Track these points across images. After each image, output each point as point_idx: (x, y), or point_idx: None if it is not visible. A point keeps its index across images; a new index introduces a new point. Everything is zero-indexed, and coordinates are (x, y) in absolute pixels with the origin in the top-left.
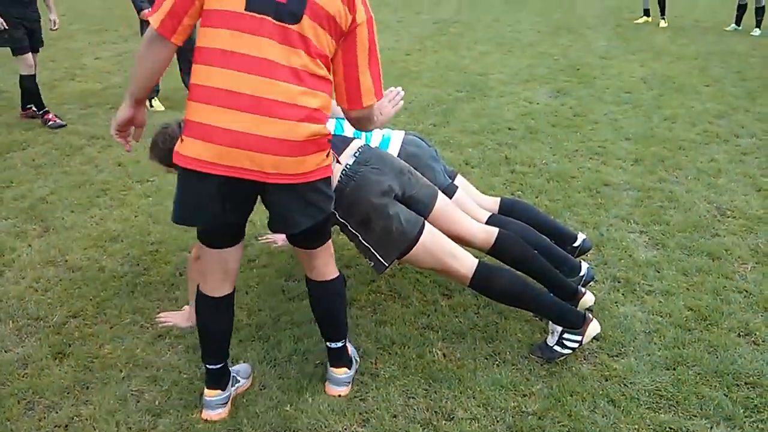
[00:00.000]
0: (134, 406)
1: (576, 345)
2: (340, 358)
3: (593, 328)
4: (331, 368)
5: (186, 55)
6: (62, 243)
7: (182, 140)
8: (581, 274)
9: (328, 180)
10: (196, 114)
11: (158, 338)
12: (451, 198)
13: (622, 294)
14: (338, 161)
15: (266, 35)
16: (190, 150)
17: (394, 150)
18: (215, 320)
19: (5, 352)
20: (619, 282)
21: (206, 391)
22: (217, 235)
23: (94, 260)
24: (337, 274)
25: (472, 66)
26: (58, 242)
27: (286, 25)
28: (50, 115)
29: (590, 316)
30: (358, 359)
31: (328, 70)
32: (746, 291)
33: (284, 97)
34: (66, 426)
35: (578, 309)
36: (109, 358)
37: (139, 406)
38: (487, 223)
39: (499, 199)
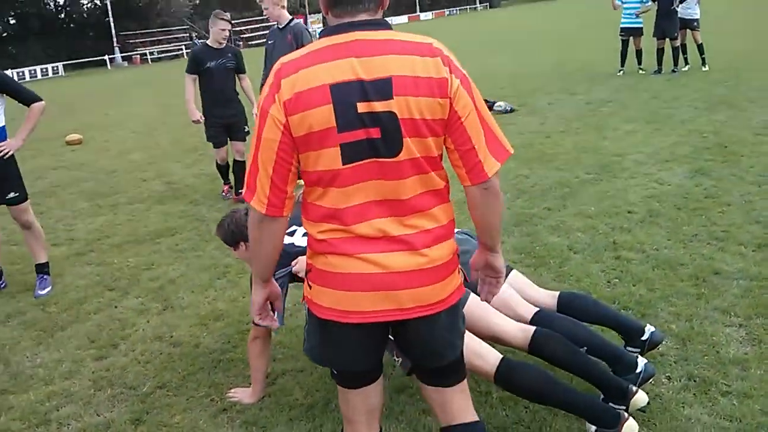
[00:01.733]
0: None
1: None
2: None
3: (629, 428)
4: None
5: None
6: (174, 320)
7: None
8: (638, 371)
9: (459, 304)
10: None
11: (222, 412)
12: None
13: (694, 394)
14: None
15: None
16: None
17: None
18: None
19: (97, 415)
20: (694, 381)
21: None
22: (357, 375)
23: (195, 336)
24: (477, 419)
25: (611, 146)
26: (172, 320)
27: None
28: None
29: (626, 415)
30: None
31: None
32: None
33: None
34: None
35: (629, 409)
36: (175, 427)
37: None
38: (531, 320)
39: (557, 294)
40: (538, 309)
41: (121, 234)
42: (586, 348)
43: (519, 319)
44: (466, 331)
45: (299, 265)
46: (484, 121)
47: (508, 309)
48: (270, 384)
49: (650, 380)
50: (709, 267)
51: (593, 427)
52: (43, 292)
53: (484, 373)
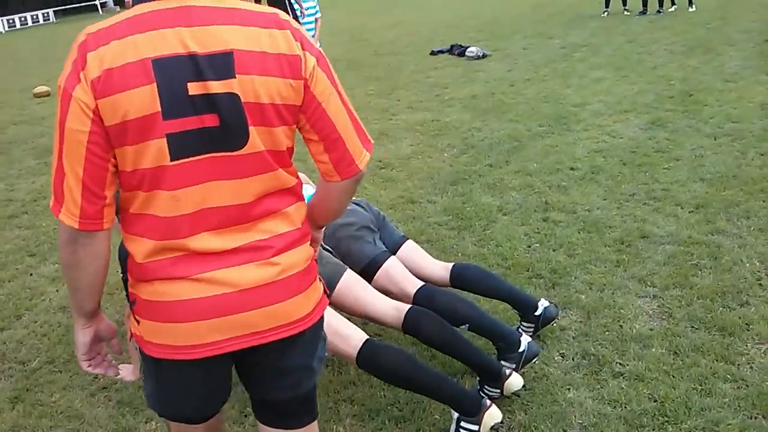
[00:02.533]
0: None
1: None
2: None
3: (491, 416)
4: None
5: None
6: None
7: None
8: (520, 350)
9: (320, 323)
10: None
11: (101, 390)
12: (380, 267)
13: (584, 375)
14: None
15: None
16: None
17: None
18: None
19: None
20: (588, 360)
21: None
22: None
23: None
24: None
25: (573, 96)
26: None
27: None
28: None
29: (488, 402)
30: None
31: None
32: (742, 381)
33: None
34: None
35: (504, 392)
36: (51, 406)
37: None
38: (415, 296)
39: (451, 265)
40: (422, 284)
41: None
42: (467, 325)
43: (403, 295)
44: (332, 310)
45: None
46: (348, 107)
47: (393, 285)
48: None
49: (536, 359)
50: (638, 230)
51: (456, 414)
52: None
53: (347, 355)
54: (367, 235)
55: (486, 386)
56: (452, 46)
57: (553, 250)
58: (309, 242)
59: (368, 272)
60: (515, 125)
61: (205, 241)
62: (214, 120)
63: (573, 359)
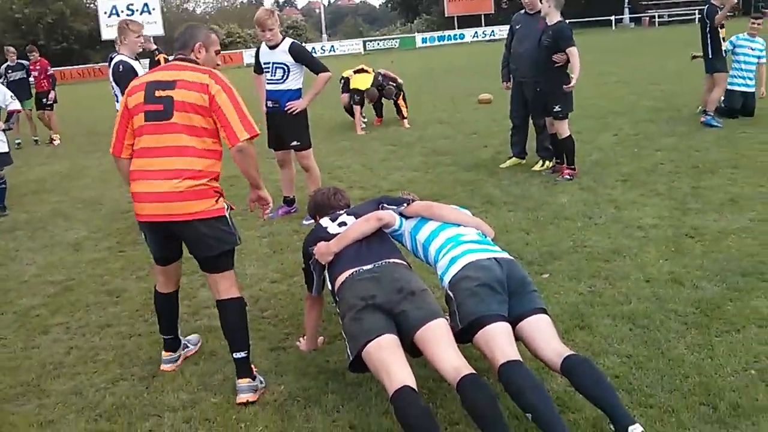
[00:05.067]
0: None
1: None
2: (243, 369)
3: None
4: (238, 380)
5: None
6: None
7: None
8: None
9: (215, 220)
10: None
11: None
12: (482, 327)
13: None
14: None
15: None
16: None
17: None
18: (165, 309)
19: None
20: None
21: (163, 352)
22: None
23: None
24: (239, 295)
25: None
26: None
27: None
28: None
29: None
30: (263, 380)
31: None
32: None
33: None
34: None
35: None
36: None
37: None
38: (499, 369)
39: (565, 354)
40: (509, 360)
41: None
42: (531, 415)
43: (491, 360)
44: (391, 350)
45: (318, 249)
46: (238, 107)
47: (487, 348)
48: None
49: None
50: None
51: None
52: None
53: (388, 390)
54: (486, 294)
55: None
56: None
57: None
58: (207, 179)
59: (470, 329)
60: None
61: (154, 163)
62: (160, 107)
63: None
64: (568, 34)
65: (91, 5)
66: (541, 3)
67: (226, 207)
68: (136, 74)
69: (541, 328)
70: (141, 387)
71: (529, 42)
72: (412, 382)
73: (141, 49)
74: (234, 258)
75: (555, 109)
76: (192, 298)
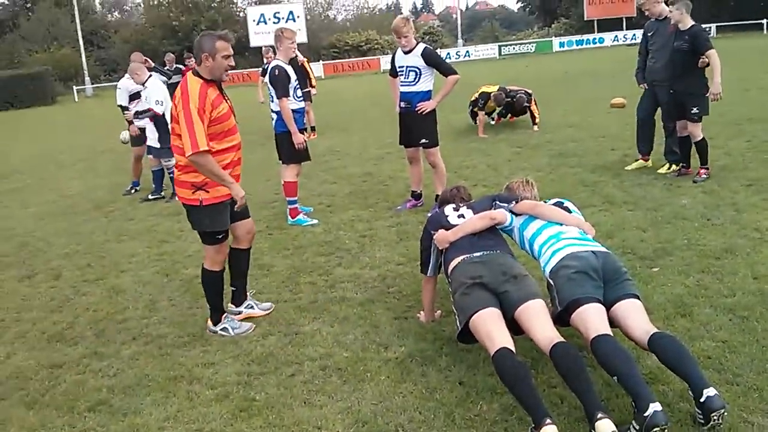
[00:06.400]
0: None
1: None
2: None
3: None
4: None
5: None
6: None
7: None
8: (645, 414)
9: (190, 206)
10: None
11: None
12: (578, 307)
13: None
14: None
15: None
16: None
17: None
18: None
19: None
20: None
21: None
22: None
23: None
24: (207, 267)
25: None
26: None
27: None
28: None
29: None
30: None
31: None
32: None
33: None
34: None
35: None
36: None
37: None
38: (591, 341)
39: (653, 331)
40: (601, 333)
41: None
42: (617, 377)
43: (586, 337)
44: (493, 321)
45: (438, 237)
46: (190, 122)
47: (582, 326)
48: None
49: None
50: None
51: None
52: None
53: (489, 353)
54: (583, 279)
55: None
56: None
57: None
58: (181, 172)
59: (567, 310)
60: None
61: None
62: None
63: None
64: (705, 37)
65: (240, 13)
66: (671, 11)
67: (199, 201)
68: (289, 78)
69: (632, 310)
70: (285, 341)
71: (662, 46)
72: (511, 346)
73: (294, 55)
74: (212, 239)
75: (693, 111)
76: (329, 274)
